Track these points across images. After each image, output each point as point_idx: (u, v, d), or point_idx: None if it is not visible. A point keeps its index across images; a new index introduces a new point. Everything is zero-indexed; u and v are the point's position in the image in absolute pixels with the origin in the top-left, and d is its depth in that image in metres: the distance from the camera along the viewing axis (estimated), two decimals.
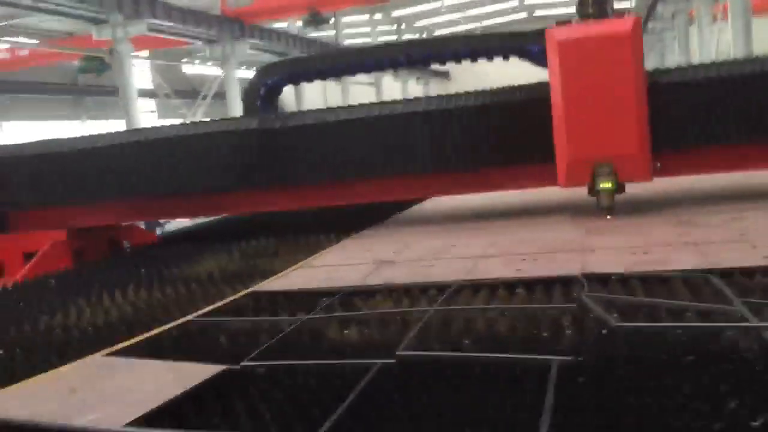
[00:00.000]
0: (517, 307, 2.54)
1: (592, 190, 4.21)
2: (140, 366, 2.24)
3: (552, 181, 4.37)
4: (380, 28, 33.69)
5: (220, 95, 20.67)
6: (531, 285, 2.80)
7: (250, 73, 22.36)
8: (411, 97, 5.50)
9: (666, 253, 3.10)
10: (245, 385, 1.96)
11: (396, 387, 1.85)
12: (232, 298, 3.13)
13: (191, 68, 29.49)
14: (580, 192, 4.42)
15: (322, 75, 5.49)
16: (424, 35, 38.24)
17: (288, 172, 4.58)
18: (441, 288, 2.88)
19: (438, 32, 39.09)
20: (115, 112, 21.70)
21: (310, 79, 5.59)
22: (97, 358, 2.35)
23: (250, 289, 3.23)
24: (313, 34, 26.12)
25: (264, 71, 5.51)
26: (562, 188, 4.35)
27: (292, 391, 1.88)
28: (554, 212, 4.72)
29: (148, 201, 4.97)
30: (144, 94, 22.47)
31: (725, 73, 3.96)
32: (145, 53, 23.25)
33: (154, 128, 5.32)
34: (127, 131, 5.29)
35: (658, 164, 4.03)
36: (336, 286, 3.09)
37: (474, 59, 5.20)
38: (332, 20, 25.54)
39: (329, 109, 4.71)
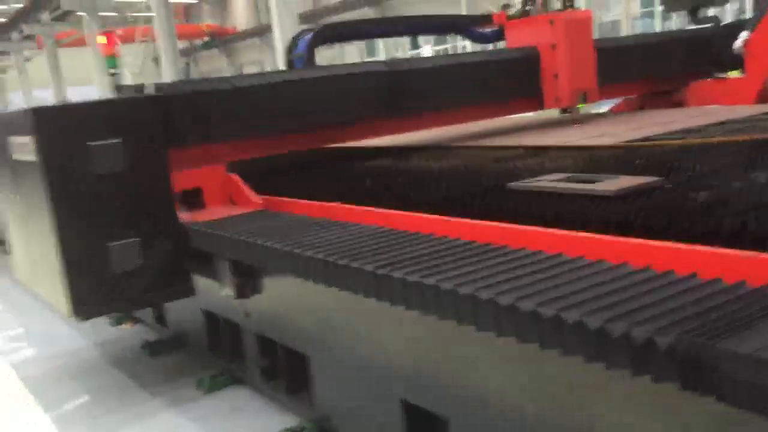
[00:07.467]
0: None
1: (568, 110, 7.15)
2: None
3: (536, 107, 7.14)
4: None
5: None
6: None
7: None
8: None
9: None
10: None
11: None
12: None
13: None
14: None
15: (362, 37, 6.67)
16: None
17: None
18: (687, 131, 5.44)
19: None
20: None
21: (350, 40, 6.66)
22: None
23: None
24: None
25: (324, 30, 6.35)
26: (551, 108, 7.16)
27: None
28: (523, 128, 7.36)
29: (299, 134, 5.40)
30: None
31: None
32: None
33: (306, 69, 5.59)
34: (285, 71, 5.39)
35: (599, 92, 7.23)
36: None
37: (444, 34, 7.40)
38: None
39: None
